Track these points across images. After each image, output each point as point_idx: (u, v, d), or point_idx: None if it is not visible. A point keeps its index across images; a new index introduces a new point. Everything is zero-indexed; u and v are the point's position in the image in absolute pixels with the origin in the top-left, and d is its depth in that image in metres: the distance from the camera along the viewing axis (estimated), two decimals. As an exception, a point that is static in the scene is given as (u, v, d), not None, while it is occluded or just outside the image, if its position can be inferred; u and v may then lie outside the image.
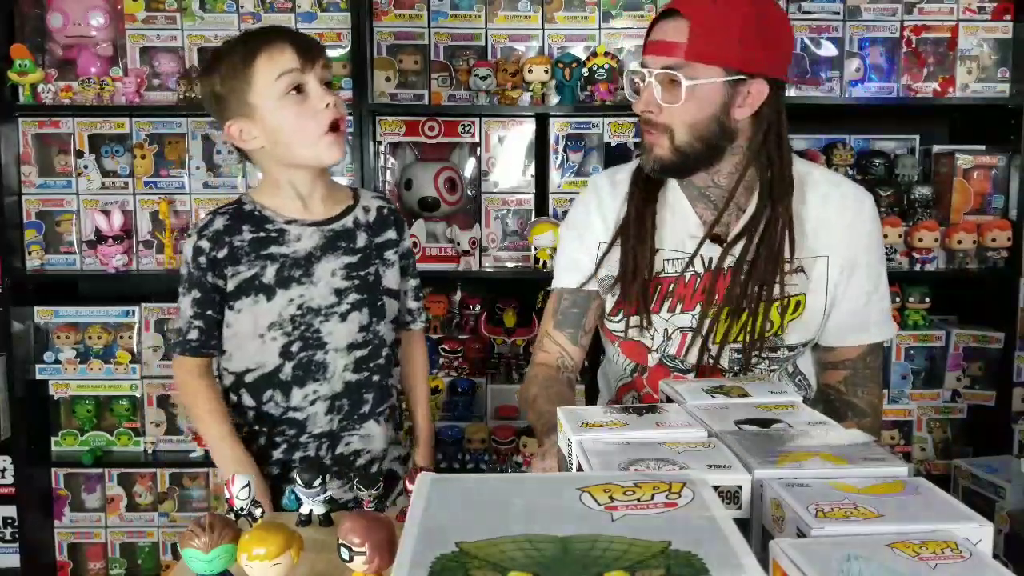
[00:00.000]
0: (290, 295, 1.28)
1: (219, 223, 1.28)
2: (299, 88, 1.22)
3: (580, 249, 1.37)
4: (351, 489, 1.28)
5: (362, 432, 1.35)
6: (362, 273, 1.32)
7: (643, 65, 1.24)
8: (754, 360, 1.29)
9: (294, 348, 1.29)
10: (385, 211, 1.39)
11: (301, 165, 1.28)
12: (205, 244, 1.27)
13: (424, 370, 1.52)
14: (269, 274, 1.27)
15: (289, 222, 1.29)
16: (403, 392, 1.49)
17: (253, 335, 1.28)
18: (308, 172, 1.29)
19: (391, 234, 1.38)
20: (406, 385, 1.49)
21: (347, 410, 1.33)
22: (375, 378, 1.35)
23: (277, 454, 1.32)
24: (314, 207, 1.32)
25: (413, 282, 1.45)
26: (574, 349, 1.37)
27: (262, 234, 1.28)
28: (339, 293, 1.31)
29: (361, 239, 1.34)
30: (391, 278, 1.37)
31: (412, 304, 1.45)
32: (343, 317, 1.31)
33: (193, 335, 1.29)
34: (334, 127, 1.25)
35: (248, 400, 1.31)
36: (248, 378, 1.30)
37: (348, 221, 1.33)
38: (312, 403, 1.30)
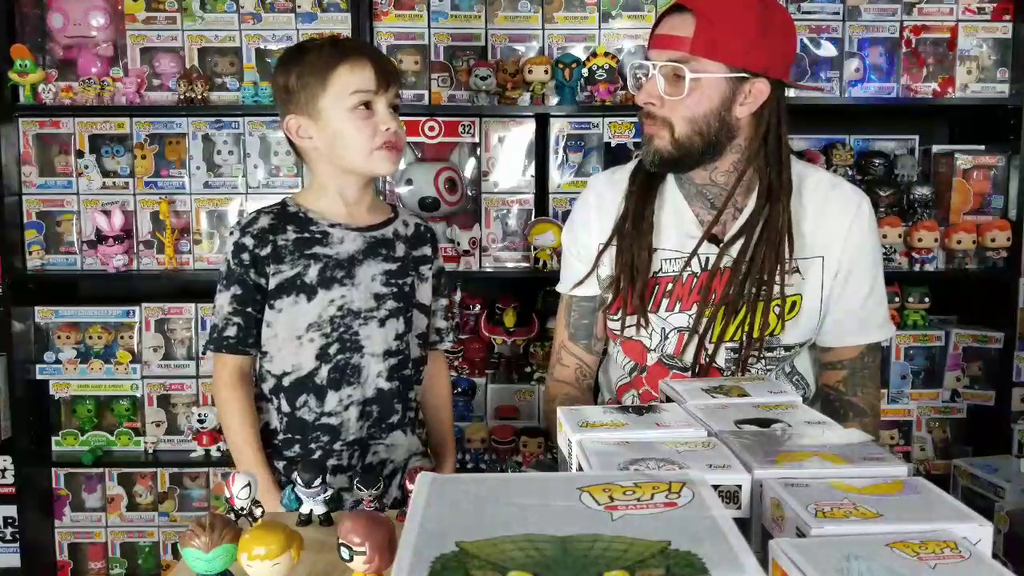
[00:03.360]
0: (331, 296, 1.28)
1: (264, 221, 1.29)
2: (368, 105, 1.26)
3: (581, 256, 1.39)
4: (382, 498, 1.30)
5: (388, 442, 1.36)
6: (399, 282, 1.34)
7: (647, 59, 1.25)
8: (751, 360, 1.29)
9: (331, 350, 1.29)
10: (422, 228, 1.42)
11: (352, 172, 1.31)
12: (249, 241, 1.28)
13: (449, 389, 1.54)
14: (312, 274, 1.28)
15: (333, 225, 1.31)
16: (424, 410, 1.50)
17: (291, 336, 1.29)
18: (357, 180, 1.32)
19: (427, 250, 1.40)
20: (432, 404, 1.49)
21: (376, 417, 1.34)
22: (404, 389, 1.36)
23: (312, 460, 1.31)
24: (359, 214, 1.34)
25: (444, 301, 1.47)
26: (590, 357, 1.44)
27: (306, 234, 1.30)
28: (378, 298, 1.32)
29: (400, 249, 1.35)
30: (424, 293, 1.39)
31: (441, 323, 1.46)
32: (381, 323, 1.32)
33: (231, 331, 1.28)
34: (390, 146, 1.29)
35: (284, 405, 1.32)
36: (285, 381, 1.31)
37: (389, 231, 1.36)
38: (346, 408, 1.31)
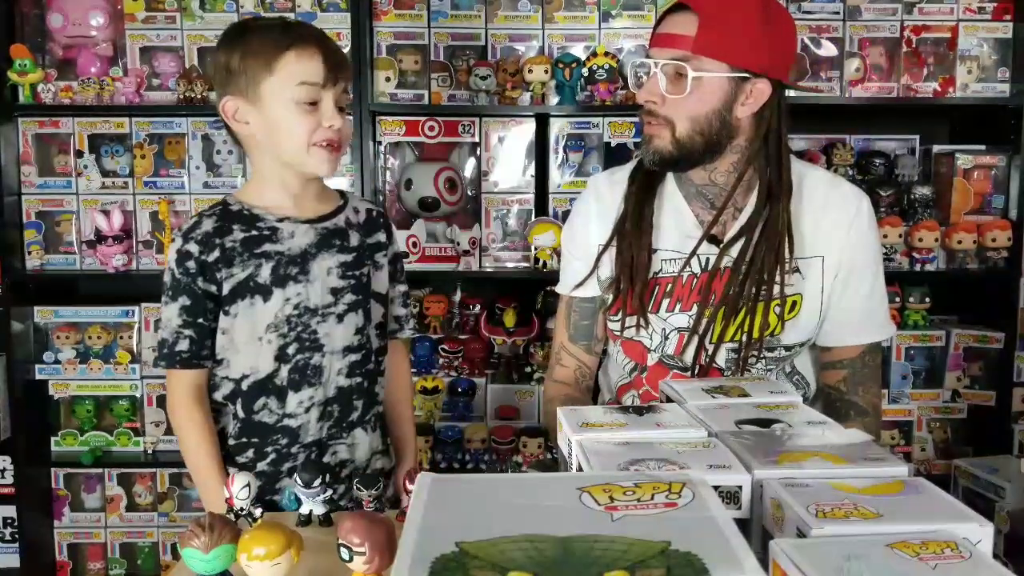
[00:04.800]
0: (287, 294, 1.23)
1: (207, 225, 1.22)
2: (313, 102, 1.19)
3: (581, 257, 1.39)
4: (340, 499, 1.27)
5: (348, 441, 1.31)
6: (356, 273, 1.29)
7: (649, 57, 1.25)
8: (751, 360, 1.29)
9: (290, 351, 1.24)
10: (374, 213, 1.36)
11: (288, 165, 1.24)
12: (193, 247, 1.20)
13: (410, 381, 1.48)
14: (264, 273, 1.22)
15: (281, 220, 1.25)
16: (385, 403, 1.42)
17: (250, 340, 1.23)
18: (299, 172, 1.26)
19: (381, 236, 1.35)
20: (392, 397, 1.42)
21: (337, 417, 1.28)
22: (365, 384, 1.31)
23: (263, 466, 1.26)
24: (305, 205, 1.27)
25: (401, 288, 1.41)
26: (589, 358, 1.43)
27: (254, 232, 1.23)
28: (335, 293, 1.26)
29: (354, 238, 1.30)
30: (380, 282, 1.33)
31: (400, 311, 1.41)
32: (340, 318, 1.26)
33: (183, 346, 1.21)
34: (330, 145, 1.22)
35: (240, 411, 1.26)
36: (244, 385, 1.25)
37: (340, 220, 1.29)
38: (307, 410, 1.25)
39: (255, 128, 1.21)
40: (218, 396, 1.27)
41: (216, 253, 1.21)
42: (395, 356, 1.42)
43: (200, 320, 1.22)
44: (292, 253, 1.24)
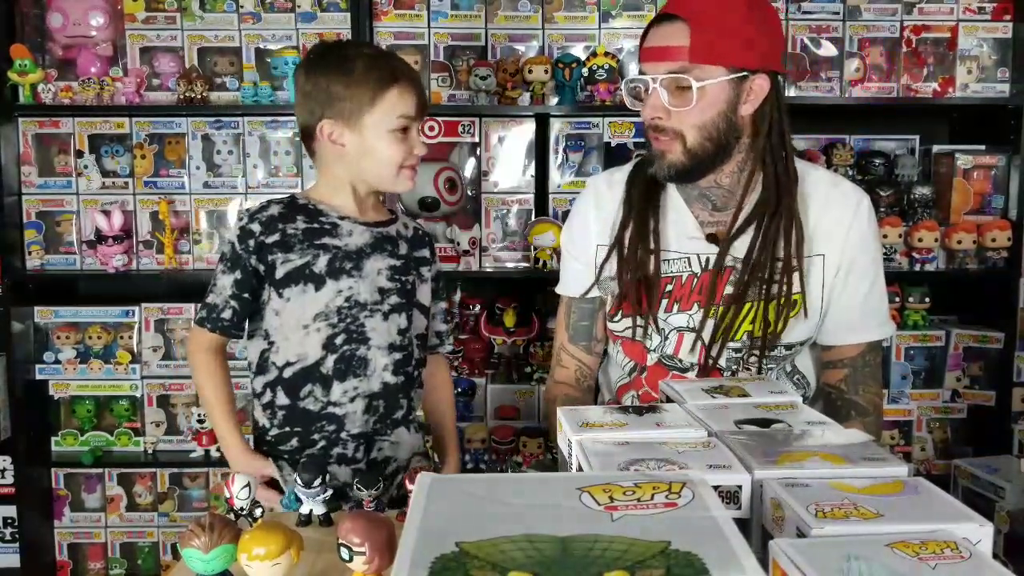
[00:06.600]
0: (339, 286, 1.30)
1: (274, 210, 1.31)
2: (405, 130, 1.31)
3: (580, 258, 1.39)
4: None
5: (393, 438, 1.36)
6: (403, 279, 1.36)
7: (643, 72, 1.25)
8: (752, 359, 1.29)
9: (338, 341, 1.30)
10: (420, 232, 1.45)
11: (372, 184, 1.34)
12: (256, 227, 1.29)
13: (452, 393, 1.56)
14: (321, 263, 1.29)
15: (342, 218, 1.33)
16: (427, 414, 1.51)
17: (298, 326, 1.29)
18: (378, 187, 1.37)
19: (425, 252, 1.43)
20: (436, 407, 1.51)
21: (383, 412, 1.34)
22: (407, 385, 1.37)
23: (314, 451, 1.32)
24: (366, 211, 1.36)
25: (443, 304, 1.49)
26: (590, 359, 1.44)
27: (316, 225, 1.31)
28: (383, 292, 1.33)
29: (403, 247, 1.38)
30: (424, 294, 1.40)
31: (441, 327, 1.49)
32: (386, 316, 1.33)
33: (227, 314, 1.30)
34: (413, 167, 1.34)
35: (283, 398, 1.31)
36: (287, 372, 1.30)
37: (392, 230, 1.38)
38: (352, 400, 1.31)
39: (350, 150, 1.31)
40: (260, 383, 1.33)
41: (276, 236, 1.30)
42: (438, 369, 1.51)
43: (246, 295, 1.31)
44: (349, 249, 1.32)
